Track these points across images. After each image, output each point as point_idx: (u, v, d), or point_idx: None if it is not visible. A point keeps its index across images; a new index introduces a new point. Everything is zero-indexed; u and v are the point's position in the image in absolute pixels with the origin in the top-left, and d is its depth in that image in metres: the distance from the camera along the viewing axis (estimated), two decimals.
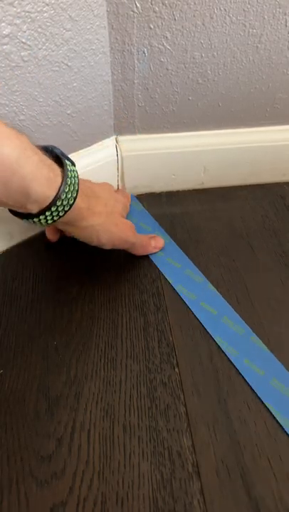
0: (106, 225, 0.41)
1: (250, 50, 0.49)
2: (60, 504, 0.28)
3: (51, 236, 0.48)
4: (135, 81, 0.49)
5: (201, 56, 0.48)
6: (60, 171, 0.36)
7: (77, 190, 0.36)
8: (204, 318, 0.41)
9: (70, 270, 0.47)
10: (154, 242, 0.49)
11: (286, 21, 0.46)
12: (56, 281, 0.46)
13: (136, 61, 0.47)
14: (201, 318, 0.41)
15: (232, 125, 0.56)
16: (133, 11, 0.43)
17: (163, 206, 0.54)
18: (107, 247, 0.43)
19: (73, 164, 0.39)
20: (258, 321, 0.41)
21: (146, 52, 0.47)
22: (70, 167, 0.37)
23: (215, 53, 0.48)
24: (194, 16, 0.44)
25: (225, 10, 0.44)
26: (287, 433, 0.32)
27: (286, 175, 0.62)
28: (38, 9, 0.38)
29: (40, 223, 0.36)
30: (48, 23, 0.39)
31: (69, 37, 0.42)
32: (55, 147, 0.38)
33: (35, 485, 0.29)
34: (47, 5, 0.38)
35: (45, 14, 0.38)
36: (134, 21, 0.44)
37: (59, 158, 0.37)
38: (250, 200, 0.59)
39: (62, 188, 0.34)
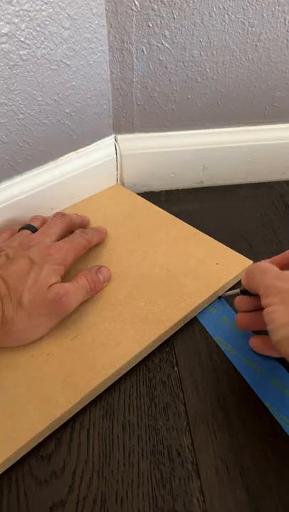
0: (25, 326, 0.34)
1: (249, 49, 0.48)
2: (60, 503, 0.28)
3: None
4: (134, 80, 0.49)
5: (200, 54, 0.48)
6: None
7: None
8: (204, 317, 0.41)
9: None
10: (101, 277, 0.41)
11: (285, 19, 0.46)
12: None
13: (135, 60, 0.47)
14: (200, 317, 0.41)
15: (231, 124, 0.56)
16: (132, 10, 0.43)
17: (162, 205, 0.54)
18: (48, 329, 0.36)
19: None
20: None
21: (145, 50, 0.47)
22: None
23: (214, 51, 0.48)
24: (193, 14, 0.44)
25: (224, 8, 0.44)
26: (286, 432, 0.32)
27: (285, 173, 0.62)
28: (37, 8, 0.38)
29: None
30: (46, 22, 0.39)
31: (68, 35, 0.41)
32: None
33: (34, 484, 0.29)
34: (45, 3, 0.38)
35: (43, 13, 0.38)
36: (132, 20, 0.44)
37: None
38: (250, 199, 0.59)
39: None
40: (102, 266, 0.42)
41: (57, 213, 0.44)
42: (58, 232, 0.42)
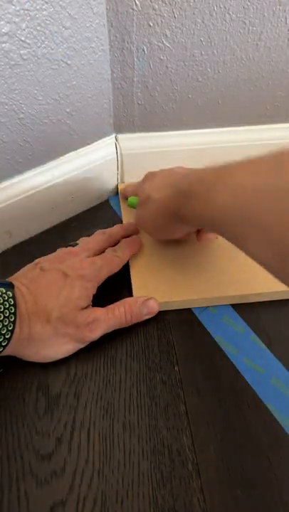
0: (52, 342, 0.34)
1: (250, 48, 0.48)
2: (60, 503, 0.28)
3: None
4: (135, 79, 0.49)
5: (201, 54, 0.48)
6: None
7: (14, 322, 0.31)
8: (205, 317, 0.41)
9: None
10: (145, 310, 0.39)
11: (286, 19, 0.46)
12: None
13: (135, 59, 0.47)
14: (201, 317, 0.41)
15: (232, 123, 0.56)
16: (132, 9, 0.43)
17: None
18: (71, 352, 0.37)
19: (9, 286, 0.33)
20: (257, 320, 0.41)
21: (145, 50, 0.47)
22: (2, 294, 0.32)
23: (215, 51, 0.48)
24: (194, 13, 0.44)
25: (225, 7, 0.44)
26: (286, 432, 0.32)
27: None
28: (37, 7, 0.38)
29: None
30: (47, 21, 0.39)
31: (68, 35, 0.41)
32: None
33: (35, 484, 0.29)
34: (46, 3, 0.38)
35: (44, 12, 0.38)
36: (133, 19, 0.44)
37: None
38: None
39: None
40: (151, 298, 0.40)
41: (98, 230, 0.45)
42: (96, 247, 0.41)
